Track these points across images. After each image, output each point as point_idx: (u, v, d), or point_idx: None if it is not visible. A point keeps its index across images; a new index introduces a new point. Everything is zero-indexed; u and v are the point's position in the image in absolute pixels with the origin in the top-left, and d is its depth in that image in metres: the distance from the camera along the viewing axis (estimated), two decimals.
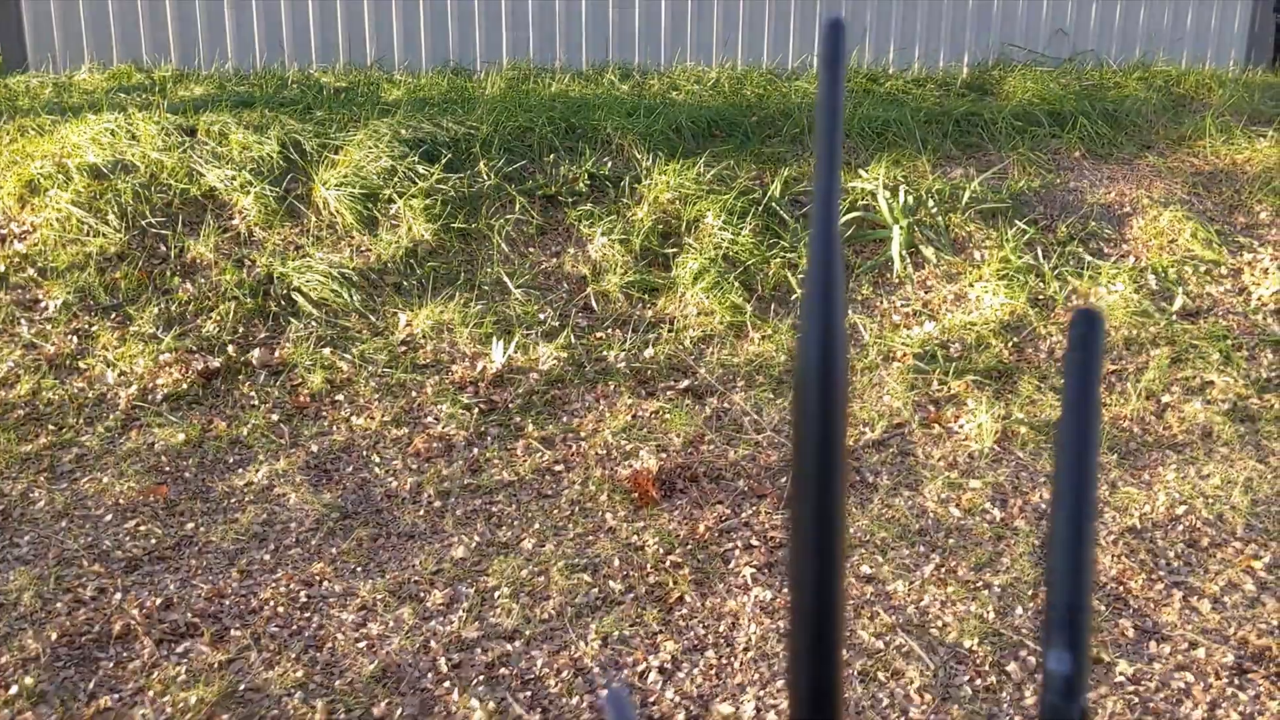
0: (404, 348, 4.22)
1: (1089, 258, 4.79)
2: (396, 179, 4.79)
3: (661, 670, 2.73)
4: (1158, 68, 6.97)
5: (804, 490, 0.48)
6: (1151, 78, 6.68)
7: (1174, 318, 4.47)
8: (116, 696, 2.59)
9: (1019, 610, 2.97)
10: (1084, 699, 0.47)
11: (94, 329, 4.18)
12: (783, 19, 7.01)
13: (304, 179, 4.83)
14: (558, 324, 4.38)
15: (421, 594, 3.00)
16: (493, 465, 3.65)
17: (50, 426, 3.77)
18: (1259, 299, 4.62)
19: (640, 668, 2.74)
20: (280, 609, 2.93)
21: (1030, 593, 3.04)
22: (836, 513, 0.47)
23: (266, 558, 3.16)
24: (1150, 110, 5.99)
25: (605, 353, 4.24)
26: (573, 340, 4.29)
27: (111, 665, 2.70)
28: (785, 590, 2.99)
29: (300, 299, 4.37)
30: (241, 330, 4.23)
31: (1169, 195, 5.16)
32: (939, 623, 2.91)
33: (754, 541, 3.25)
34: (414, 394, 4.00)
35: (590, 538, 3.28)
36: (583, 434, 3.82)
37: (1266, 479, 3.63)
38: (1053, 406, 3.99)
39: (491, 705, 2.57)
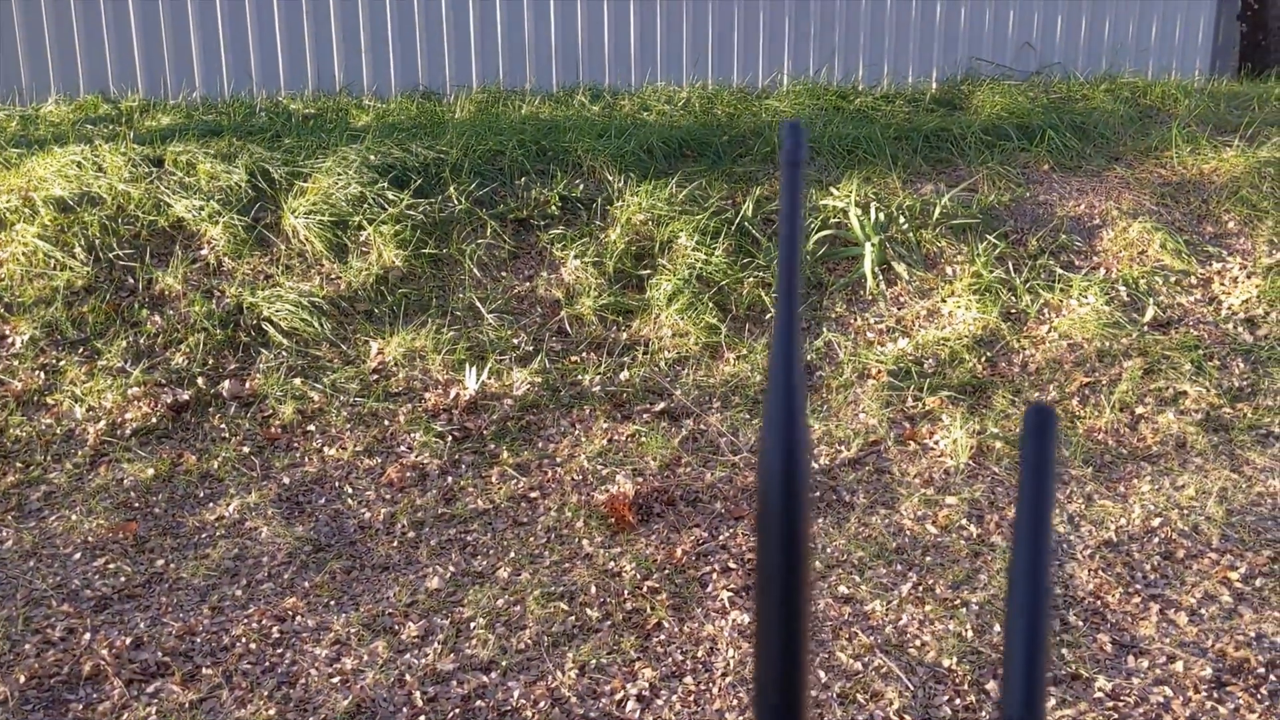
0: (376, 376, 4.19)
1: (1060, 270, 4.81)
2: (366, 205, 4.77)
3: (639, 698, 2.70)
4: (1124, 79, 7.03)
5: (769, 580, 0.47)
6: (1118, 89, 6.74)
7: (1145, 329, 4.49)
8: None
9: (997, 628, 2.96)
10: None
11: (61, 364, 4.13)
12: (752, 39, 7.04)
13: (273, 207, 4.80)
14: (531, 349, 4.36)
15: (396, 627, 2.97)
16: (467, 494, 3.63)
17: (18, 464, 3.72)
18: (1229, 308, 4.65)
19: (618, 696, 2.71)
20: (252, 645, 2.89)
21: None
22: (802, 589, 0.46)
23: (238, 593, 3.12)
24: (1117, 122, 6.04)
25: (580, 377, 4.23)
26: (547, 365, 4.27)
27: (81, 707, 2.66)
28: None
29: (270, 329, 4.33)
30: (211, 362, 4.20)
31: (1138, 206, 5.19)
32: (917, 642, 2.90)
33: (731, 564, 3.24)
34: (387, 423, 3.97)
35: (566, 565, 3.25)
36: (558, 459, 3.80)
37: (1241, 488, 3.64)
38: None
39: None
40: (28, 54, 6.12)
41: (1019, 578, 0.47)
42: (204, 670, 2.79)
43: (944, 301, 4.67)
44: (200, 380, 4.10)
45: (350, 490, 3.64)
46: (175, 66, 6.31)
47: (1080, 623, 2.99)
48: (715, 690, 2.73)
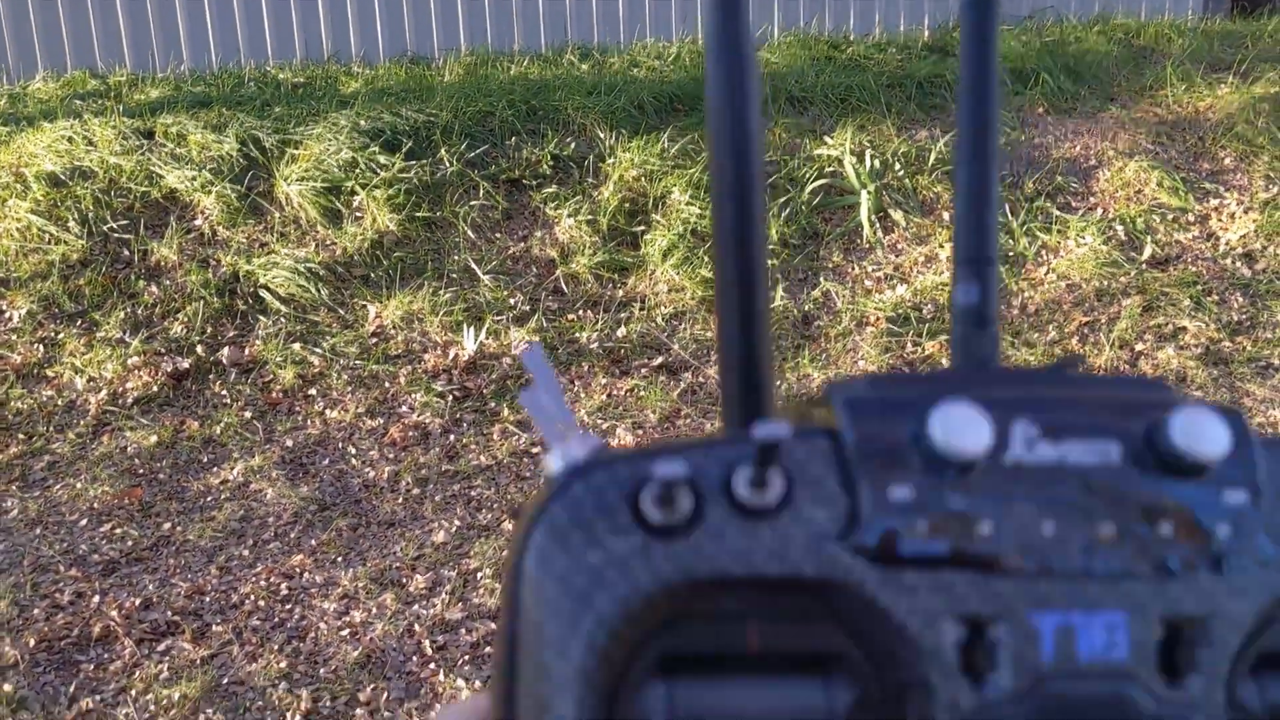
0: (375, 339, 4.19)
1: (1057, 212, 4.79)
2: (358, 171, 4.75)
3: None
4: (1117, 21, 6.98)
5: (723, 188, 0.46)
6: (1111, 31, 6.69)
7: (1144, 267, 4.48)
8: (98, 698, 2.56)
9: None
10: (995, 330, 0.47)
11: (60, 337, 4.14)
12: None
13: (265, 176, 4.78)
14: (528, 308, 4.36)
15: (403, 580, 2.98)
16: (469, 450, 3.64)
17: (20, 435, 3.73)
18: (1227, 243, 4.64)
19: None
20: (261, 602, 2.91)
21: None
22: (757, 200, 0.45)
23: (245, 553, 3.14)
24: (1111, 63, 6.00)
25: (577, 334, 4.23)
26: (544, 323, 4.27)
27: (92, 667, 2.67)
28: None
29: (268, 296, 4.33)
30: (209, 330, 4.20)
31: (1134, 146, 5.17)
32: None
33: None
34: (387, 384, 3.97)
35: None
36: None
37: None
38: (1024, 362, 4.00)
39: (478, 684, 2.56)
40: (13, 32, 6.09)
41: (964, 133, 0.48)
42: (214, 628, 2.81)
43: (941, 247, 4.65)
44: (199, 348, 4.10)
45: (354, 451, 3.64)
46: (162, 40, 6.28)
47: None
48: None
